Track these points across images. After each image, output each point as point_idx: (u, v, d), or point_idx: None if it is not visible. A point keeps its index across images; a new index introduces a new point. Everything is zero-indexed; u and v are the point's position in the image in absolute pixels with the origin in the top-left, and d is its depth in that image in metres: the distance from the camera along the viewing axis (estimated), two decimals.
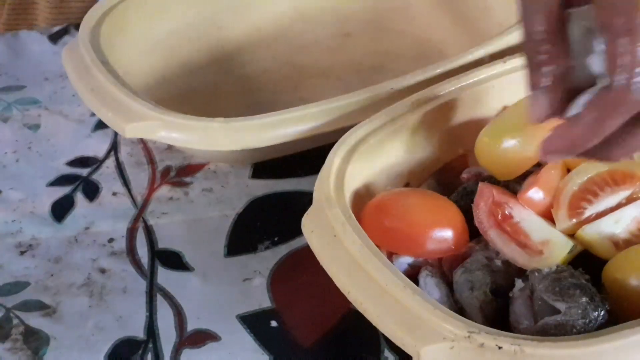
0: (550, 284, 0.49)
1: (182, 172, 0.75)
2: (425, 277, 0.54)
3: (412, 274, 0.54)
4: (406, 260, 0.56)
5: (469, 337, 0.43)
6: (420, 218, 0.56)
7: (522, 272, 0.53)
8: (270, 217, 0.70)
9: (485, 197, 0.56)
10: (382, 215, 0.56)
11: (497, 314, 0.52)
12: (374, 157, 0.61)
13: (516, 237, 0.55)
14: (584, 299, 0.47)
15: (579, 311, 0.47)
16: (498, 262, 0.54)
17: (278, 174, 0.74)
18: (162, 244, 0.68)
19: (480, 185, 0.57)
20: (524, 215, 0.55)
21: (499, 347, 0.43)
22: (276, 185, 0.74)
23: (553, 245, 0.53)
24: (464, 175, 0.63)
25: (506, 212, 0.55)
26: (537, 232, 0.54)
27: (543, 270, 0.51)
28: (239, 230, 0.69)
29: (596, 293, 0.48)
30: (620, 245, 0.53)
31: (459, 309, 0.52)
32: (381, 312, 0.47)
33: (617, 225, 0.54)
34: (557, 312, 0.47)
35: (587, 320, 0.47)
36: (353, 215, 0.53)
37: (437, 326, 0.44)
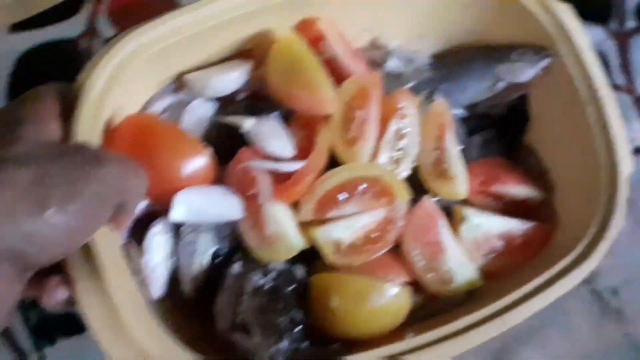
0: (259, 304, 0.52)
1: None
2: (153, 235, 0.53)
3: (145, 223, 0.54)
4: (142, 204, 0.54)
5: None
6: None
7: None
8: (42, 73, 0.69)
9: (241, 162, 0.56)
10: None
11: (209, 287, 0.54)
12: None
13: (254, 218, 0.55)
14: (272, 339, 0.50)
15: (263, 347, 0.50)
16: (228, 229, 0.56)
17: (36, 23, 0.71)
18: None
19: (243, 149, 0.57)
20: (271, 202, 0.55)
21: None
22: (39, 35, 0.70)
23: (282, 243, 0.55)
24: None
25: (254, 190, 0.55)
26: (274, 224, 0.55)
27: (260, 280, 0.53)
28: (17, 92, 0.67)
29: (288, 333, 0.51)
30: (342, 250, 0.56)
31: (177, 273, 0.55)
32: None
33: (346, 230, 0.56)
34: (250, 334, 0.51)
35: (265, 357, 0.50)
36: None
37: None
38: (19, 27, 0.72)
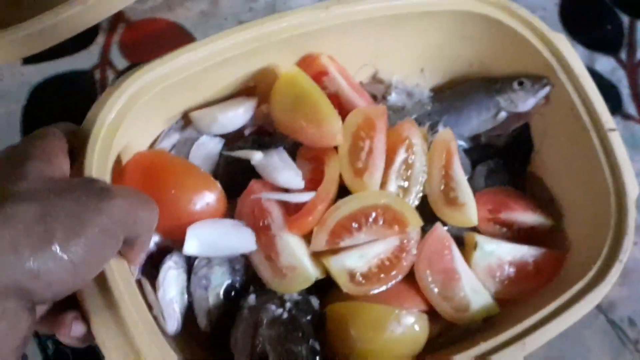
0: (278, 333, 0.50)
1: None
2: (167, 269, 0.53)
3: (158, 258, 0.54)
4: (154, 239, 0.55)
5: None
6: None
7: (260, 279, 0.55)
8: (56, 105, 0.69)
9: (252, 194, 0.56)
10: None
11: (225, 320, 0.53)
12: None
13: (267, 250, 0.55)
14: None
15: None
16: (241, 262, 0.55)
17: (50, 55, 0.72)
18: None
19: (254, 182, 0.57)
20: (284, 233, 0.55)
21: None
22: (53, 67, 0.72)
23: (298, 274, 0.54)
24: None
25: (266, 222, 0.55)
26: (288, 255, 0.54)
27: (277, 311, 0.52)
28: (32, 124, 0.68)
29: None
30: (356, 279, 0.55)
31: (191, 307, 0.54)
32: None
33: (360, 259, 0.56)
34: None
35: None
36: None
37: None
38: (33, 59, 0.72)
